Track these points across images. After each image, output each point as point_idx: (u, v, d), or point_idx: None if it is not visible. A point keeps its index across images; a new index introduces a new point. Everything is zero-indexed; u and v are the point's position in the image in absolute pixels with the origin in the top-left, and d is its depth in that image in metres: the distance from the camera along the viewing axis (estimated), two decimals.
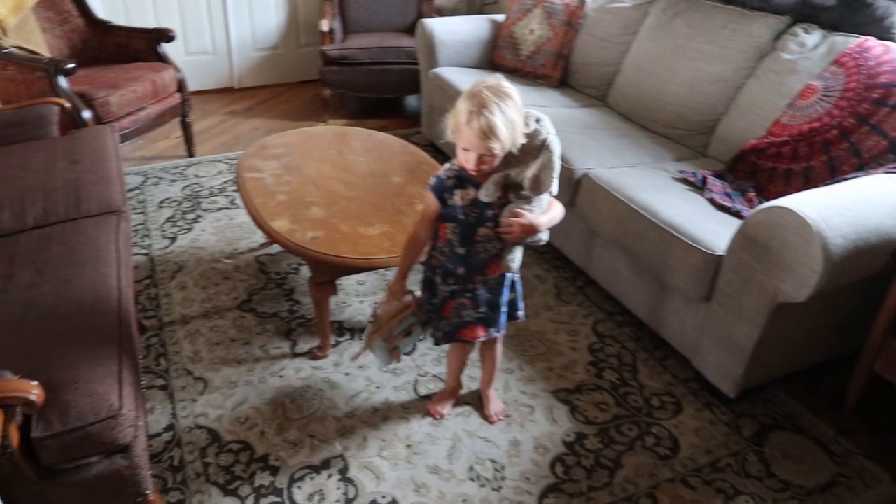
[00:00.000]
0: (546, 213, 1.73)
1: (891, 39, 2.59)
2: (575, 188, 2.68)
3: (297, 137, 2.98)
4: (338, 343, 2.47)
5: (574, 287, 2.86)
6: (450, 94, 3.62)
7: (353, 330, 2.54)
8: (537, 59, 3.76)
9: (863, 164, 2.29)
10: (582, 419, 2.20)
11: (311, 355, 2.41)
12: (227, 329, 2.52)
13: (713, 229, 2.24)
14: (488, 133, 1.53)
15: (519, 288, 1.91)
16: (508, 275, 1.84)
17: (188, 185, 3.61)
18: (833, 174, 2.34)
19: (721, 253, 2.13)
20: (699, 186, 2.57)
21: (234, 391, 2.25)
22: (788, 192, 2.37)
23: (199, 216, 3.29)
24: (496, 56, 3.88)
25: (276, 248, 3.00)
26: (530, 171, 1.63)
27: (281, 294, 2.73)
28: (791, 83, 2.65)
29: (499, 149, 1.57)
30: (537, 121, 1.63)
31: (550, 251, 3.07)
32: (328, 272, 2.25)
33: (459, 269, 1.79)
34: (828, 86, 2.47)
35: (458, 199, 1.71)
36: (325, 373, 2.33)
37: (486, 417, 2.16)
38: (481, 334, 1.87)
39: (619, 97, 3.38)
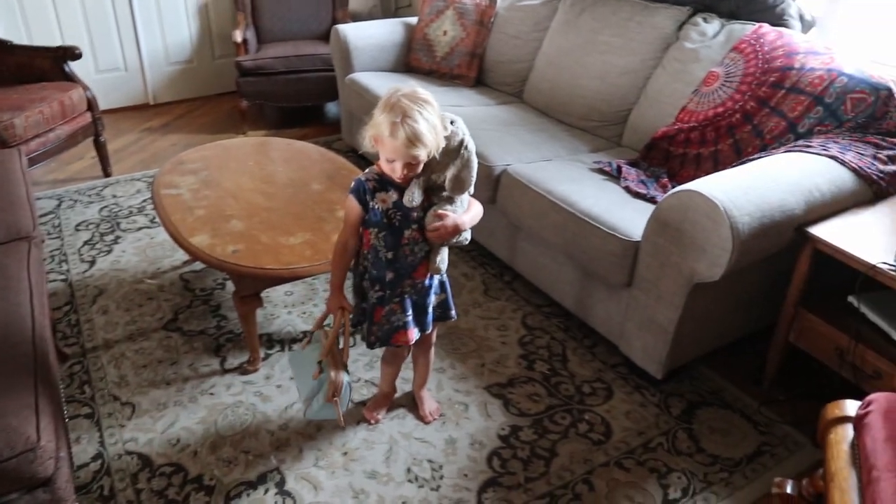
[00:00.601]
0: (467, 212, 1.75)
1: (784, 25, 2.70)
2: (495, 185, 2.70)
3: (214, 151, 2.92)
4: (268, 356, 2.43)
5: (501, 282, 2.88)
6: (367, 100, 3.60)
7: (282, 342, 2.51)
8: (452, 59, 3.77)
9: (765, 144, 2.37)
10: (516, 412, 2.21)
11: (242, 370, 2.36)
12: (154, 350, 2.46)
13: (630, 216, 2.28)
14: (414, 141, 1.55)
15: (448, 288, 1.92)
16: (437, 276, 1.85)
17: (106, 206, 3.50)
18: (739, 156, 2.42)
19: (638, 239, 2.17)
20: (615, 176, 2.61)
21: (163, 413, 2.20)
22: (700, 176, 2.44)
23: (118, 237, 3.20)
24: (411, 59, 3.88)
25: (200, 264, 2.94)
26: (450, 173, 1.65)
27: (208, 310, 2.68)
28: (695, 71, 2.73)
29: (424, 155, 1.58)
30: (452, 122, 1.64)
31: (476, 248, 3.09)
32: (252, 285, 2.22)
33: (387, 275, 1.77)
34: (729, 72, 2.55)
35: (379, 203, 1.71)
36: (257, 387, 2.29)
37: (421, 418, 2.16)
38: (413, 337, 1.88)
39: (534, 93, 3.42)
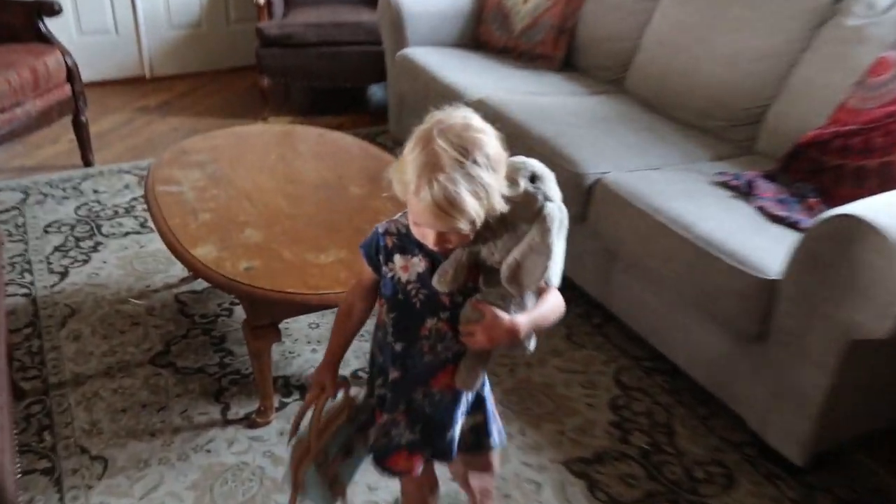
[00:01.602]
0: (535, 308, 1.50)
1: None
2: (586, 198, 2.68)
3: (226, 140, 2.96)
4: (283, 405, 2.43)
5: (589, 326, 2.85)
6: (423, 83, 3.62)
7: (302, 388, 2.51)
8: (534, 34, 3.77)
9: None
10: (604, 498, 2.17)
11: (249, 422, 2.37)
12: (137, 391, 2.48)
13: (764, 246, 2.23)
14: (448, 209, 1.33)
15: (491, 406, 1.70)
16: (469, 392, 1.63)
17: (84, 204, 3.57)
18: None
19: (776, 277, 2.13)
20: (745, 192, 2.57)
21: (144, 473, 2.20)
22: (863, 196, 2.38)
23: (98, 244, 3.25)
24: (481, 31, 3.90)
25: (202, 283, 2.97)
26: (516, 254, 1.42)
27: (208, 343, 2.69)
28: (859, 55, 2.68)
29: (465, 227, 1.37)
30: (532, 179, 1.44)
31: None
32: (268, 313, 2.22)
33: (393, 372, 1.59)
34: None
35: (397, 268, 1.53)
36: (268, 445, 2.29)
37: None
38: (417, 467, 1.65)
39: (640, 80, 3.40)
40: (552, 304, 1.52)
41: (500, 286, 1.46)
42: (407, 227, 1.49)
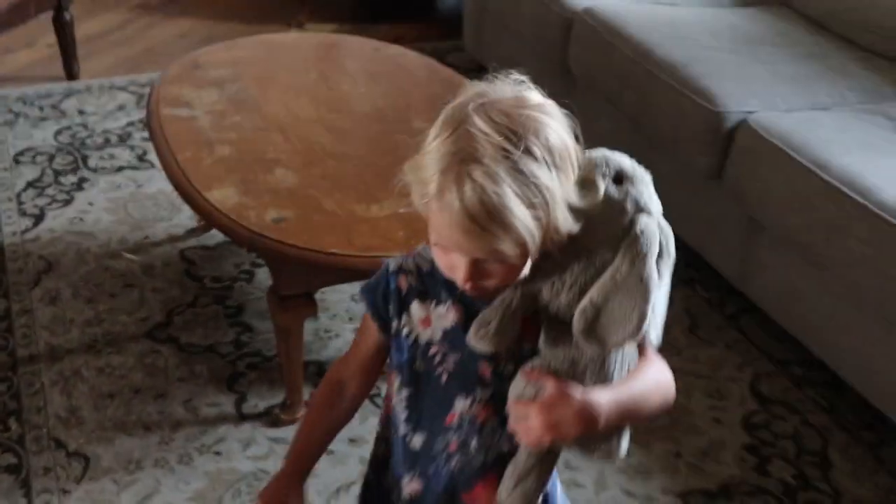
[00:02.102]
0: (625, 382, 1.31)
1: None
2: (725, 145, 2.66)
3: (252, 52, 2.97)
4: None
5: (720, 316, 2.83)
6: None
7: None
8: None
9: None
10: None
11: (271, 419, 2.39)
12: (129, 372, 2.52)
13: None
14: (483, 220, 1.16)
15: None
16: None
17: (67, 128, 3.61)
18: None
19: None
20: None
21: (135, 477, 2.23)
22: None
23: (84, 180, 3.28)
24: None
25: (214, 236, 3.00)
26: (588, 298, 1.26)
27: (221, 314, 2.72)
28: None
29: (512, 250, 1.20)
30: (618, 180, 1.28)
31: (682, 254, 3.03)
32: (302, 279, 2.24)
33: (409, 483, 1.45)
34: None
35: (415, 322, 1.38)
36: None
37: None
38: None
39: None
40: (654, 377, 1.33)
41: (570, 345, 1.29)
42: (431, 262, 1.32)
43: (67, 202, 3.18)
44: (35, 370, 2.52)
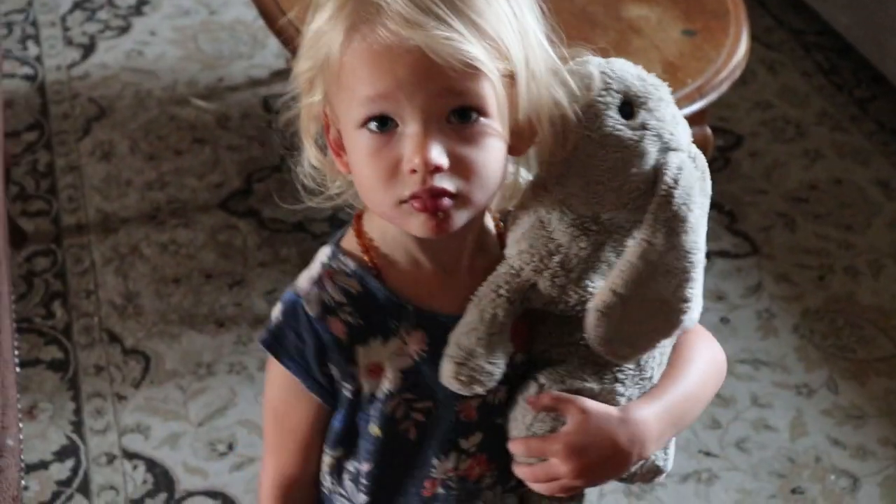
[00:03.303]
0: (670, 383, 1.25)
1: None
2: None
3: None
4: None
5: None
6: None
7: None
8: None
9: None
10: None
11: None
12: (198, 250, 2.52)
13: None
14: (432, 8, 1.05)
15: None
16: None
17: None
18: None
19: None
20: None
21: (206, 384, 2.25)
22: None
23: (144, 2, 3.24)
24: None
25: None
26: (607, 288, 1.15)
27: None
28: None
29: (486, 60, 1.07)
30: (626, 108, 1.16)
31: None
32: None
33: None
34: None
35: (363, 373, 1.21)
36: None
37: None
38: None
39: None
40: (705, 359, 1.27)
41: (588, 351, 1.18)
42: (359, 276, 1.18)
43: (123, 30, 3.16)
44: (84, 243, 2.52)
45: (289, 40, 2.23)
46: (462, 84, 1.03)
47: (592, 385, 1.17)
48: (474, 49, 1.02)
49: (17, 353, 2.04)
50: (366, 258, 1.17)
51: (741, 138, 2.79)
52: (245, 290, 2.44)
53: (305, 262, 2.41)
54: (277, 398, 1.24)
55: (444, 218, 1.07)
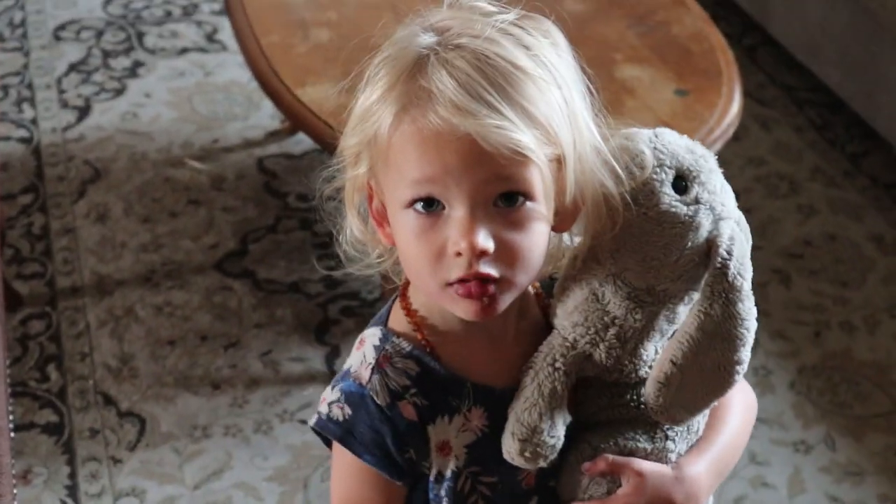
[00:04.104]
0: (713, 436, 1.27)
1: None
2: None
3: None
4: None
5: None
6: None
7: None
8: None
9: None
10: None
11: None
12: (193, 312, 2.51)
13: None
14: (484, 90, 1.05)
15: None
16: None
17: None
18: None
19: None
20: None
21: (201, 447, 2.24)
22: None
23: (139, 64, 3.26)
24: None
25: (301, 142, 2.96)
26: (669, 359, 1.17)
27: (310, 243, 2.70)
28: None
29: (535, 147, 1.06)
30: (680, 183, 1.17)
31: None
32: None
33: None
34: None
35: (433, 453, 1.23)
36: None
37: None
38: None
39: None
40: (741, 418, 1.29)
41: (639, 411, 1.21)
42: (416, 357, 1.18)
43: (119, 92, 3.16)
44: (79, 306, 2.52)
45: (284, 106, 2.27)
46: (510, 170, 1.04)
47: (645, 445, 1.19)
48: (525, 137, 1.03)
49: (11, 417, 2.03)
50: (419, 336, 1.17)
51: (736, 195, 2.78)
52: (240, 351, 2.43)
53: (301, 323, 2.45)
54: (353, 490, 1.24)
55: (490, 303, 1.08)
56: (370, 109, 1.09)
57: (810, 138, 3.06)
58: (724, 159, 2.73)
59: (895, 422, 2.38)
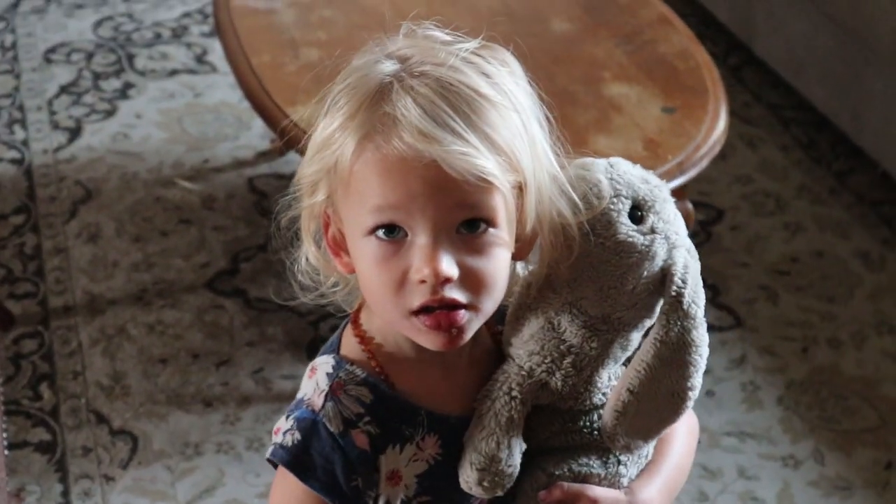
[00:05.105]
0: (662, 460, 1.28)
1: None
2: None
3: None
4: None
5: None
6: None
7: None
8: None
9: None
10: None
11: None
12: (185, 331, 2.51)
13: None
14: (447, 116, 1.05)
15: None
16: None
17: (108, 18, 3.59)
18: None
19: None
20: None
21: (193, 464, 2.23)
22: None
23: (129, 86, 3.26)
24: None
25: (291, 161, 2.95)
26: (626, 387, 1.18)
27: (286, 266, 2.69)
28: None
29: (498, 173, 1.06)
30: (637, 213, 1.17)
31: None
32: None
33: None
34: None
35: (383, 482, 1.20)
36: None
37: None
38: None
39: None
40: (685, 440, 1.30)
41: (592, 437, 1.21)
42: (370, 384, 1.16)
43: (109, 113, 3.16)
44: (71, 325, 2.52)
45: (275, 126, 2.24)
46: (474, 197, 1.04)
47: (599, 470, 1.19)
48: (489, 164, 1.03)
49: (4, 435, 2.03)
50: (373, 364, 1.16)
51: (722, 213, 2.80)
52: (232, 369, 2.43)
53: (292, 340, 2.45)
54: None
55: (458, 333, 1.08)
56: (331, 137, 1.09)
57: (796, 156, 3.06)
58: (711, 177, 2.75)
59: (883, 436, 2.38)
